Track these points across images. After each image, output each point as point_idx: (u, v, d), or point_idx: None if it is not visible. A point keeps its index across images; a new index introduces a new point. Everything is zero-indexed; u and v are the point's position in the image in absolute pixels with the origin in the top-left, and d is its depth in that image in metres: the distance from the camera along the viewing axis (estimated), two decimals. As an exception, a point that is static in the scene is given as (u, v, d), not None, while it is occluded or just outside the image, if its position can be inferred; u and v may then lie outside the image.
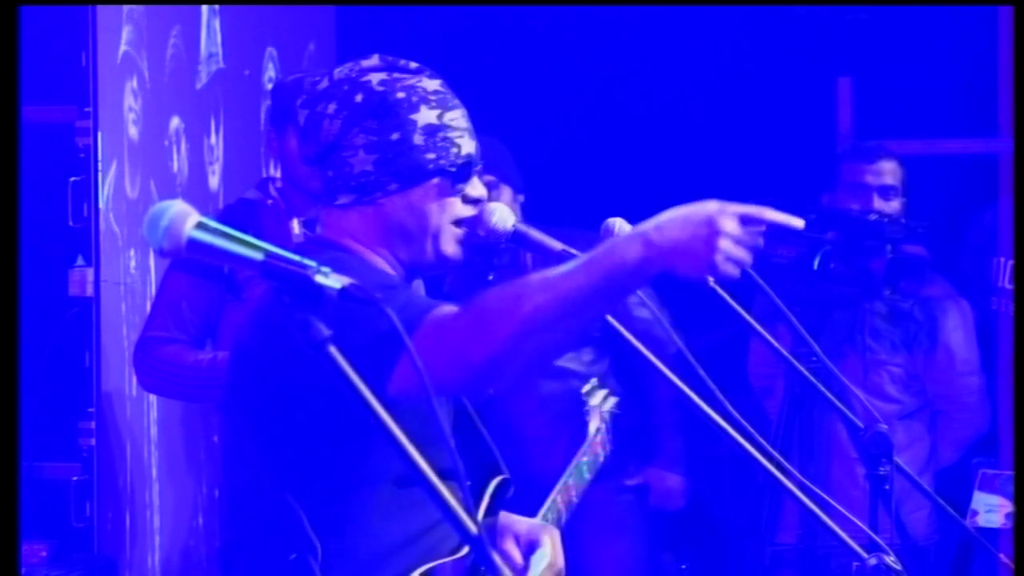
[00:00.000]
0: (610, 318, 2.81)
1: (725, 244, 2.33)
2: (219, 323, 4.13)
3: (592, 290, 2.38)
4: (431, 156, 2.74)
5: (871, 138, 5.31)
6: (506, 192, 4.80)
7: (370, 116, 2.73)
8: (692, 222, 2.34)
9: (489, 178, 4.76)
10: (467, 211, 2.80)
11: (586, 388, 3.75)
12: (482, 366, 2.45)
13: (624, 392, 4.87)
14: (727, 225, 2.33)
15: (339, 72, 2.79)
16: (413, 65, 2.81)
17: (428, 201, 2.76)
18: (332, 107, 2.75)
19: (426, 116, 2.75)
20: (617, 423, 4.78)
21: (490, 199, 4.77)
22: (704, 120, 5.95)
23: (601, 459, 3.60)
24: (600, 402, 3.71)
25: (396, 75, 2.78)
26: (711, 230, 2.32)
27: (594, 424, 3.64)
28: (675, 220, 2.36)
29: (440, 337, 2.45)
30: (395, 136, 2.73)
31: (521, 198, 4.81)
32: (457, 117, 2.79)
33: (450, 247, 2.79)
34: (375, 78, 2.76)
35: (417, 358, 2.16)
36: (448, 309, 2.51)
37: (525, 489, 3.03)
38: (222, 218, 4.14)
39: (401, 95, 2.74)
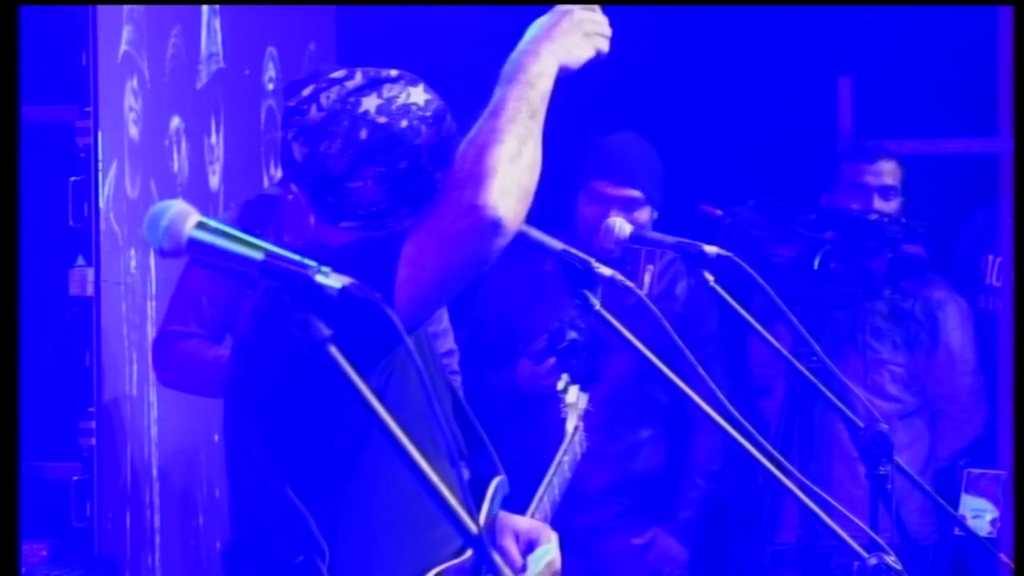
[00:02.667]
0: (605, 313, 2.81)
1: (579, 16, 2.80)
2: (239, 318, 4.11)
3: (523, 109, 2.68)
4: (439, 176, 2.74)
5: (871, 138, 5.31)
6: (645, 213, 4.73)
7: (378, 150, 2.72)
8: (543, 24, 2.78)
9: (636, 194, 4.74)
10: None
11: (560, 384, 3.76)
12: (494, 195, 2.57)
13: (666, 453, 4.87)
14: (571, 9, 2.77)
15: (327, 99, 2.75)
16: (394, 73, 2.80)
17: None
18: (336, 146, 2.72)
19: (428, 137, 2.75)
20: (647, 478, 4.79)
21: (629, 218, 4.78)
22: (704, 120, 5.94)
23: (579, 456, 3.61)
24: (575, 399, 3.72)
25: (387, 95, 2.76)
26: (560, 15, 2.77)
27: (572, 422, 3.65)
28: (532, 33, 2.78)
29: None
30: (403, 164, 2.73)
31: (655, 215, 4.75)
32: (450, 123, 2.80)
33: None
34: (371, 106, 2.74)
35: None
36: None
37: (511, 489, 3.04)
38: (243, 213, 4.16)
39: (404, 123, 2.73)
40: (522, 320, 4.81)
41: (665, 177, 4.82)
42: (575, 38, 2.80)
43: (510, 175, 2.59)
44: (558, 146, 5.60)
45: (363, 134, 2.73)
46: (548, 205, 4.72)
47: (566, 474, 3.48)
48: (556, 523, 3.21)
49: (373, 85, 2.77)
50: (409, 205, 2.74)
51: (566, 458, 3.50)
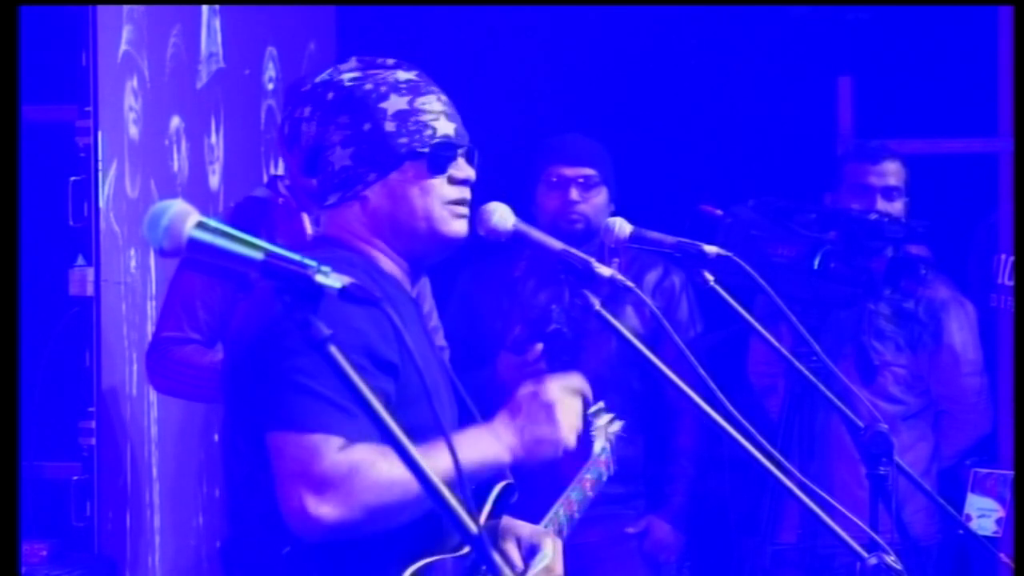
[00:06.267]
0: (606, 313, 2.81)
1: (562, 420, 2.68)
2: (233, 318, 4.10)
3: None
4: (403, 140, 2.77)
5: (872, 138, 5.30)
6: (603, 193, 4.82)
7: (342, 111, 2.78)
8: (539, 415, 2.67)
9: (590, 172, 4.82)
10: (455, 192, 2.81)
11: (592, 409, 3.76)
12: (327, 521, 2.51)
13: (646, 439, 4.90)
14: (560, 400, 2.70)
15: (319, 77, 2.85)
16: (390, 61, 2.87)
17: (408, 186, 2.78)
18: (307, 110, 2.81)
19: (396, 103, 2.79)
20: (630, 469, 4.82)
21: (587, 197, 4.89)
22: (705, 120, 5.94)
23: (604, 478, 3.61)
24: (606, 424, 3.72)
25: (369, 71, 2.82)
26: (552, 422, 2.68)
27: (599, 443, 3.65)
28: (528, 419, 2.67)
29: (295, 469, 2.52)
30: (367, 127, 2.77)
31: (612, 207, 4.82)
32: (431, 101, 2.81)
33: (448, 225, 2.80)
34: (347, 76, 2.82)
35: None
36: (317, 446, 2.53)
37: (530, 500, 3.03)
38: (233, 215, 4.17)
39: (369, 86, 2.80)
40: (495, 322, 4.86)
41: (618, 169, 4.93)
42: (553, 443, 2.71)
43: (371, 518, 2.55)
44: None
45: (329, 96, 2.80)
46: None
47: (587, 494, 3.47)
48: (542, 513, 3.22)
49: (362, 66, 2.84)
50: (375, 168, 2.77)
51: (589, 476, 3.50)
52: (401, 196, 2.78)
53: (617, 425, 3.76)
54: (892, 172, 4.83)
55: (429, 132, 2.79)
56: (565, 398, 2.72)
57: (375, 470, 2.51)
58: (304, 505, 2.49)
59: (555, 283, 4.85)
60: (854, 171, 4.84)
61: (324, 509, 2.50)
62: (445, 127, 2.81)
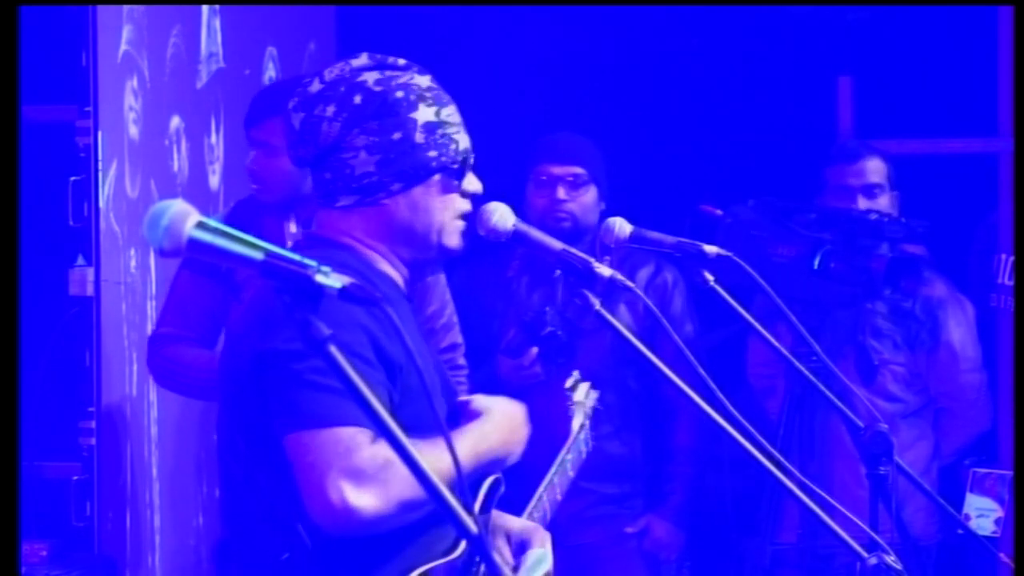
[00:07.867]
0: (606, 313, 2.81)
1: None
2: (230, 319, 4.14)
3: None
4: (433, 154, 2.76)
5: (871, 138, 5.30)
6: (592, 192, 4.82)
7: (371, 117, 2.74)
8: (517, 433, 2.83)
9: (579, 171, 4.82)
10: (466, 205, 2.83)
11: (569, 382, 3.76)
12: (346, 512, 2.51)
13: (642, 438, 4.90)
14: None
15: (330, 73, 2.79)
16: (402, 62, 2.83)
17: (431, 198, 2.78)
18: (331, 109, 2.75)
19: (425, 114, 2.77)
20: (627, 468, 4.83)
21: (576, 195, 4.90)
22: (704, 120, 5.95)
23: (583, 455, 3.61)
24: (583, 397, 3.71)
25: (389, 73, 2.79)
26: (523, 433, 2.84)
27: (577, 420, 3.64)
28: (507, 431, 2.82)
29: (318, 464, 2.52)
30: (397, 136, 2.74)
31: (602, 206, 4.82)
32: (452, 112, 2.82)
33: (454, 239, 2.83)
34: (370, 78, 2.77)
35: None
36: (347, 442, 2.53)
37: (511, 486, 3.04)
38: (232, 214, 4.19)
39: (400, 94, 2.76)
40: (489, 323, 4.87)
41: (610, 167, 4.93)
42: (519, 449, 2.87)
43: (394, 516, 2.56)
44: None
45: (357, 99, 2.75)
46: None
47: (569, 473, 3.47)
48: (524, 497, 3.22)
49: (379, 66, 2.80)
50: (402, 179, 2.76)
51: (569, 456, 3.49)
52: (423, 208, 2.78)
53: (594, 395, 3.74)
54: (872, 170, 4.81)
55: (454, 146, 2.79)
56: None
57: None
58: (344, 496, 2.48)
59: (548, 283, 4.85)
60: (834, 173, 4.83)
61: (364, 500, 2.49)
62: (464, 140, 2.82)
